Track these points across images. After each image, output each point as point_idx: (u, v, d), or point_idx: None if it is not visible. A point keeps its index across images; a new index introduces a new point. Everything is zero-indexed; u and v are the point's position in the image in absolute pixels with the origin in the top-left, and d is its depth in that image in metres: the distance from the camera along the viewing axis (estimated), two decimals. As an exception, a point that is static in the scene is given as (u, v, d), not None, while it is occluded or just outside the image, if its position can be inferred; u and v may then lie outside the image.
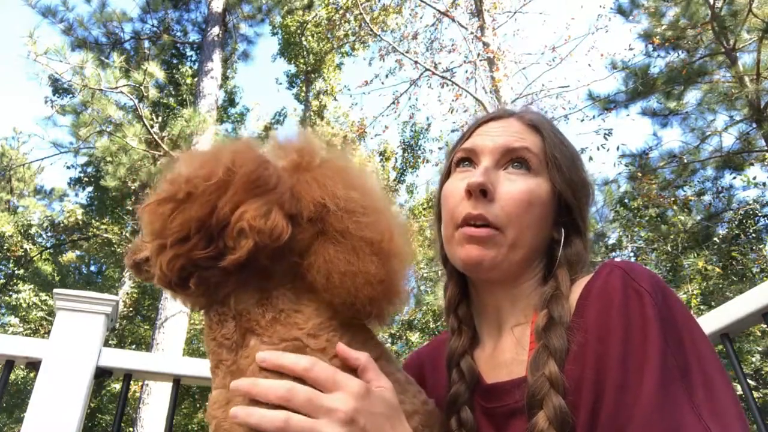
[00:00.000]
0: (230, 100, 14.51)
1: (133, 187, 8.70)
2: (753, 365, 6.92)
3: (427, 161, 12.25)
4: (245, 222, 0.59)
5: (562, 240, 0.79)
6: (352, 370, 0.64)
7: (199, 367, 1.60)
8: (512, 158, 0.79)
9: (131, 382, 1.62)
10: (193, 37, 12.34)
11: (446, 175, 0.87)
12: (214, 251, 0.60)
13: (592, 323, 0.66)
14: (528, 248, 0.77)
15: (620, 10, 9.32)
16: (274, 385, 0.59)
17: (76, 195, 14.60)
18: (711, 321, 1.39)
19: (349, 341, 0.66)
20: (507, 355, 0.78)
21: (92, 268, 16.39)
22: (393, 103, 10.88)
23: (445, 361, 0.83)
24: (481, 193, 0.75)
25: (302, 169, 0.69)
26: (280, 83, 16.91)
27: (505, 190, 0.76)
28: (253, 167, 0.64)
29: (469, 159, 0.82)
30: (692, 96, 8.92)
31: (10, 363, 1.47)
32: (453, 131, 10.96)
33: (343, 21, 12.43)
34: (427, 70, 10.16)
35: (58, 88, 11.48)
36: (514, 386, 0.72)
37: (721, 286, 7.34)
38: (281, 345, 0.63)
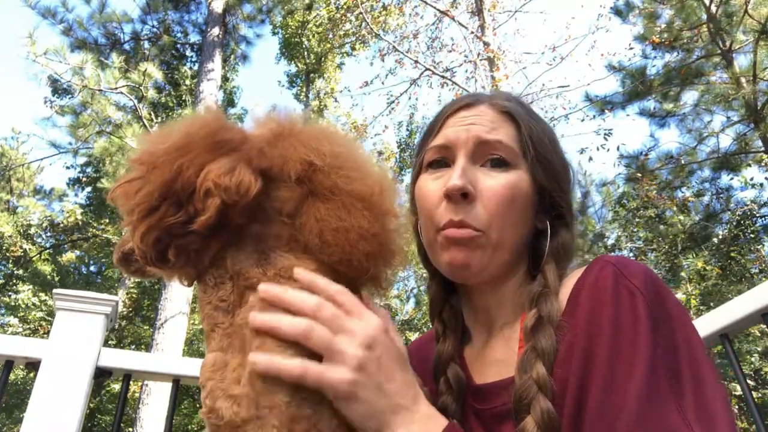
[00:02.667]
0: (229, 101, 14.51)
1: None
2: (752, 365, 6.93)
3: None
4: (210, 181, 0.58)
5: (549, 232, 0.77)
6: None
7: (199, 368, 1.60)
8: (488, 154, 0.75)
9: (131, 383, 1.62)
10: (194, 38, 12.34)
11: (418, 171, 0.83)
12: (184, 216, 0.59)
13: (582, 323, 0.64)
14: (512, 247, 0.75)
15: (617, 12, 9.34)
16: (305, 296, 0.60)
17: (76, 195, 14.62)
18: (710, 321, 1.39)
19: None
20: (497, 354, 0.76)
21: (92, 268, 16.38)
22: (392, 103, 10.89)
23: (432, 362, 0.81)
24: (461, 196, 0.72)
25: (284, 135, 0.67)
26: (283, 85, 16.91)
27: (486, 186, 0.73)
28: (213, 128, 0.63)
29: (442, 159, 0.78)
30: (689, 97, 8.96)
31: (9, 363, 1.47)
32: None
33: (344, 21, 12.44)
34: (427, 69, 10.17)
35: (58, 88, 11.48)
36: (502, 387, 0.70)
37: (719, 286, 7.35)
38: None
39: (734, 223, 8.19)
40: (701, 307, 6.80)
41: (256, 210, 0.63)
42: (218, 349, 0.63)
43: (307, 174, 0.64)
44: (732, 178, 8.77)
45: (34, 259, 13.42)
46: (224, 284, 0.64)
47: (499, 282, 0.77)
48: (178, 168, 0.59)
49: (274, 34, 15.23)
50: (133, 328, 13.70)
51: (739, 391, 6.08)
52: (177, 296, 7.35)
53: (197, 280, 0.67)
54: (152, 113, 9.44)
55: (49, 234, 13.64)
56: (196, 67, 12.19)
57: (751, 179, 8.52)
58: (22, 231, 13.07)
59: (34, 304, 12.88)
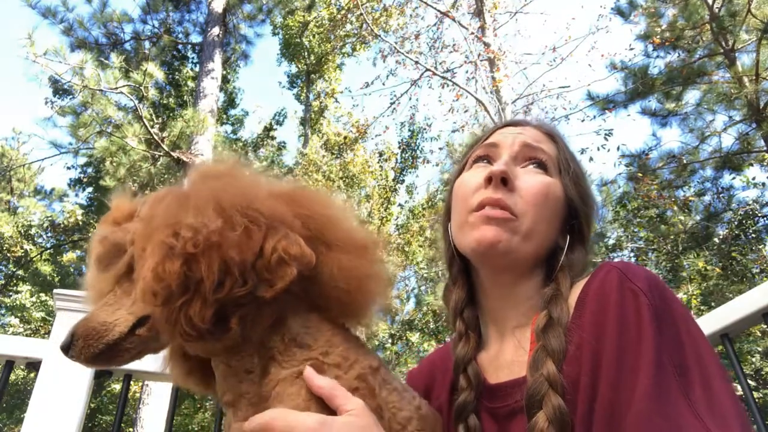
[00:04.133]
0: (231, 102, 14.52)
1: (133, 188, 8.69)
2: (753, 365, 6.92)
3: (428, 161, 12.25)
4: (281, 252, 0.63)
5: (567, 246, 0.80)
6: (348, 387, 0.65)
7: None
8: (530, 157, 0.82)
9: (131, 383, 1.62)
10: (195, 38, 12.34)
11: (460, 171, 0.89)
12: (251, 286, 0.62)
13: (589, 323, 0.67)
14: (539, 243, 0.78)
15: (619, 12, 9.33)
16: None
17: (76, 195, 14.62)
18: (711, 321, 1.39)
19: (355, 353, 0.70)
20: (509, 356, 0.79)
21: (92, 268, 16.34)
22: (392, 104, 10.89)
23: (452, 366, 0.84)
24: (501, 181, 0.77)
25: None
26: (284, 86, 16.92)
27: (525, 181, 0.79)
28: (272, 205, 0.67)
29: (487, 157, 0.85)
30: (691, 96, 8.94)
31: (10, 363, 1.47)
32: (453, 131, 10.96)
33: (344, 21, 12.43)
34: (427, 70, 10.16)
35: (59, 88, 11.48)
36: (514, 386, 0.73)
37: (720, 286, 7.34)
38: (301, 366, 0.66)
39: (736, 223, 8.18)
40: (702, 307, 6.79)
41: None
42: (243, 419, 0.65)
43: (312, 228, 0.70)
44: (734, 178, 8.75)
45: (34, 259, 13.43)
46: (251, 356, 0.67)
47: (517, 278, 0.80)
48: (248, 242, 0.62)
49: (274, 34, 15.24)
50: (133, 328, 13.67)
51: (739, 391, 6.06)
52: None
53: (225, 354, 0.68)
54: (153, 113, 9.43)
55: (49, 234, 13.64)
56: (197, 68, 12.19)
57: (753, 179, 8.50)
58: (22, 231, 13.08)
59: (34, 305, 12.88)
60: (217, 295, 0.60)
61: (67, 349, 0.68)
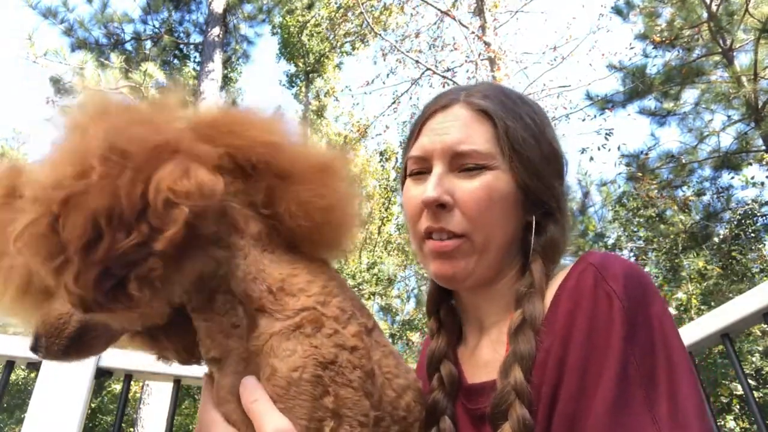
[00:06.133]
0: (232, 102, 14.50)
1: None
2: (753, 365, 6.92)
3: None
4: (165, 190, 0.50)
5: (534, 228, 0.75)
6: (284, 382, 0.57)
7: (200, 368, 1.60)
8: (463, 163, 0.74)
9: (132, 383, 1.62)
10: (197, 38, 12.33)
11: (404, 176, 0.83)
12: (139, 238, 0.49)
13: (560, 328, 0.63)
14: (499, 247, 0.75)
15: (618, 11, 9.34)
16: None
17: (76, 195, 14.59)
18: (711, 321, 1.38)
19: (351, 306, 0.64)
20: (486, 354, 0.76)
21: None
22: (393, 103, 10.89)
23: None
24: (438, 207, 0.72)
25: (218, 124, 0.62)
26: (284, 85, 16.91)
27: (463, 191, 0.73)
28: (147, 135, 0.53)
29: (421, 171, 0.79)
30: (690, 95, 8.95)
31: (10, 363, 1.47)
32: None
33: (344, 20, 12.43)
34: (428, 69, 10.16)
35: (60, 89, 11.48)
36: (489, 389, 0.70)
37: (720, 286, 7.34)
38: (297, 318, 0.58)
39: (735, 223, 8.17)
40: (702, 307, 6.79)
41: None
42: (234, 372, 0.60)
43: (266, 159, 0.61)
44: (733, 177, 8.75)
45: (35, 259, 13.40)
46: (235, 309, 0.60)
47: (489, 283, 0.77)
48: (115, 187, 0.50)
49: (273, 34, 15.23)
50: (134, 328, 13.67)
51: (740, 390, 6.07)
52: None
53: (196, 311, 0.61)
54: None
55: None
56: (199, 68, 12.19)
57: (752, 178, 8.50)
58: (23, 231, 13.05)
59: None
60: (93, 256, 0.48)
61: (35, 351, 0.61)
